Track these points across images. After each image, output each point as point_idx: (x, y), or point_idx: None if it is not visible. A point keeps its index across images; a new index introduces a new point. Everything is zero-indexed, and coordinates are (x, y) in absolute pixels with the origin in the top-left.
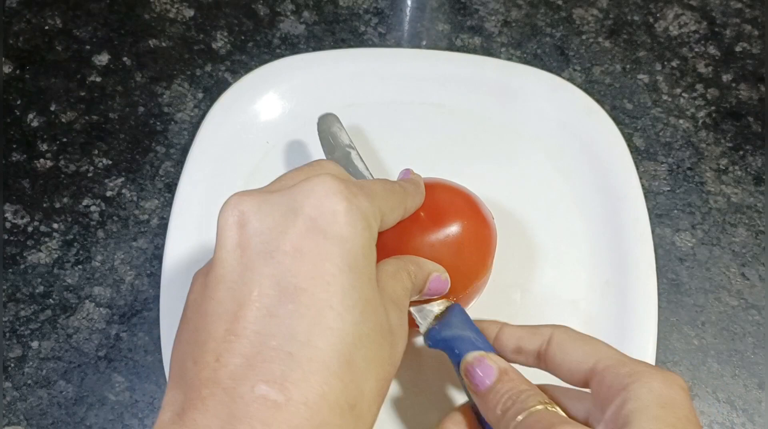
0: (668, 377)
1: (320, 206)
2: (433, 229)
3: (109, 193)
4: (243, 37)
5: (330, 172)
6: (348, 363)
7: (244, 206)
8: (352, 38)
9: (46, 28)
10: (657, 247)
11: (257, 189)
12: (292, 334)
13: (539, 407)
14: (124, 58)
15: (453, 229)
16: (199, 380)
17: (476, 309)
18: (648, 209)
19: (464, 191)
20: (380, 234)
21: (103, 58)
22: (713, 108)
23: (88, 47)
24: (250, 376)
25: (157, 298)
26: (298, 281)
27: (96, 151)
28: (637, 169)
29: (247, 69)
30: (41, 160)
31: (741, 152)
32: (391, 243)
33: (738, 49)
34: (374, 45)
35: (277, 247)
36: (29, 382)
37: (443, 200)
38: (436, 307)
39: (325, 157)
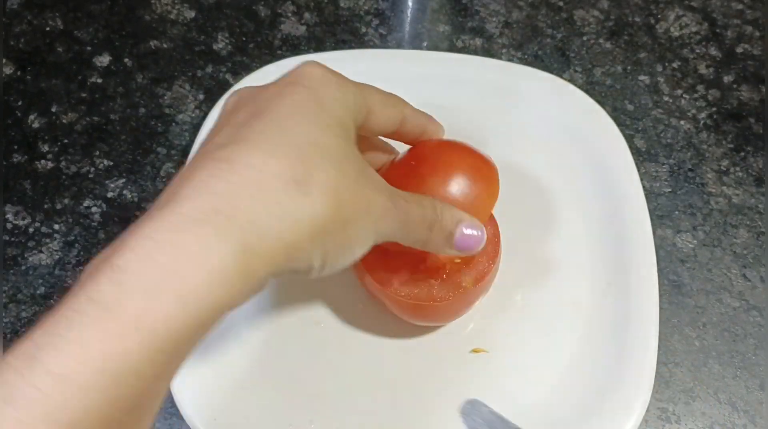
0: None
1: (302, 73)
2: (437, 172)
3: (110, 194)
4: (244, 39)
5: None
6: (297, 148)
7: (242, 90)
8: (353, 39)
9: (47, 29)
10: (658, 249)
11: None
12: (251, 126)
13: None
14: (125, 60)
15: (457, 167)
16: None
17: (477, 311)
18: (649, 210)
19: (453, 140)
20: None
21: (104, 60)
22: (714, 109)
23: (89, 48)
24: (212, 149)
25: None
26: (268, 105)
27: (97, 152)
28: (638, 170)
29: (248, 70)
30: (42, 162)
31: (742, 153)
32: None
33: (739, 50)
34: (375, 46)
35: (260, 94)
36: None
37: (435, 150)
38: None
39: None
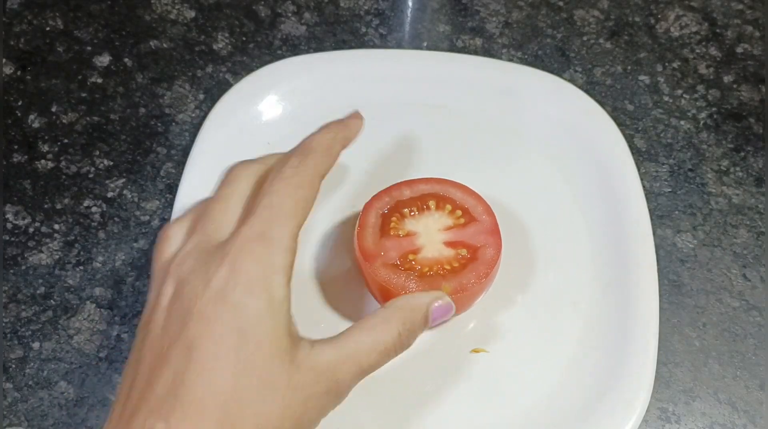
0: None
1: (231, 277)
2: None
3: (110, 194)
4: (244, 38)
5: (256, 231)
6: (224, 410)
7: (183, 271)
8: (353, 39)
9: (47, 29)
10: (658, 249)
11: (196, 236)
12: (181, 381)
13: None
14: (125, 59)
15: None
16: (114, 411)
17: (476, 312)
18: (649, 210)
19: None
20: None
21: (104, 59)
22: (714, 109)
23: (89, 48)
24: (144, 411)
25: None
26: (195, 341)
27: (97, 152)
28: (638, 170)
29: (248, 70)
30: (42, 161)
31: (742, 153)
32: None
33: (739, 50)
34: (375, 46)
35: (189, 313)
36: (30, 383)
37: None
38: None
39: None
